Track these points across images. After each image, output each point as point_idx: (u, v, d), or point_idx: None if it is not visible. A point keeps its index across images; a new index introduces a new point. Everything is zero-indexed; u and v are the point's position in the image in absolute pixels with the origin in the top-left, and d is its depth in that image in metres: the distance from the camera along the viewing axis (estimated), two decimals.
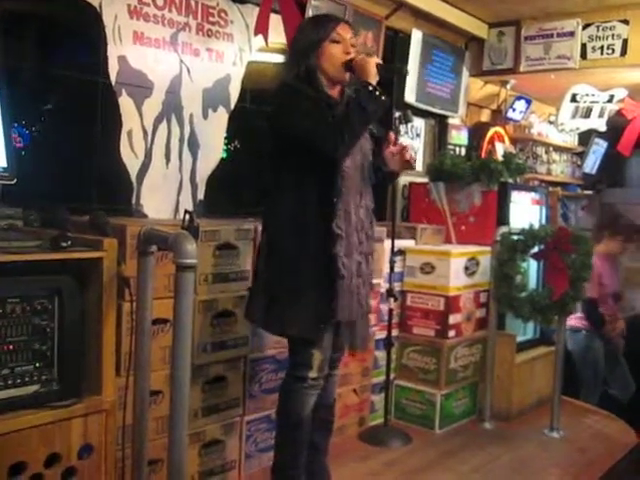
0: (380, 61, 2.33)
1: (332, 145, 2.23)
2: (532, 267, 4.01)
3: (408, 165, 2.62)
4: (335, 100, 2.38)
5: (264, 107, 3.44)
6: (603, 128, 5.68)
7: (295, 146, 2.30)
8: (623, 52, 4.41)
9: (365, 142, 2.45)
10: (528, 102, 5.60)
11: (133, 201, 2.98)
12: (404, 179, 4.51)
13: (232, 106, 3.35)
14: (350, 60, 2.35)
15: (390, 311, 3.41)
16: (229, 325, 2.71)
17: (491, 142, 5.33)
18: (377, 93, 2.25)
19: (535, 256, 3.68)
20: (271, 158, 2.43)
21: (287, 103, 2.32)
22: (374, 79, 2.28)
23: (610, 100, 5.38)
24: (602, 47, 4.49)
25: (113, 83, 2.85)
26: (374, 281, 2.90)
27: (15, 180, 2.11)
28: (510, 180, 4.07)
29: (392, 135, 2.64)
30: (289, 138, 2.31)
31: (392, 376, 3.60)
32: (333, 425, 2.71)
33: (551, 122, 6.17)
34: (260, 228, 2.54)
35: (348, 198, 2.35)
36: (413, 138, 4.66)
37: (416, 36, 4.40)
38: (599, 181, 7.30)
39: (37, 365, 1.99)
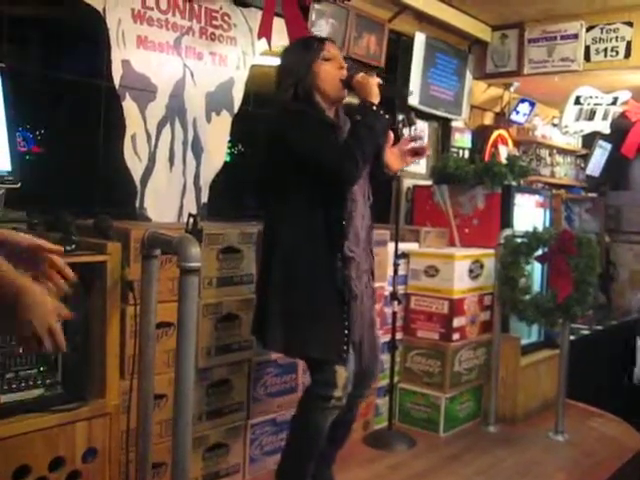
0: (380, 81, 2.33)
1: (349, 173, 2.23)
2: (536, 270, 4.00)
3: (420, 155, 2.61)
4: (337, 123, 2.38)
5: (267, 111, 3.46)
6: (607, 130, 5.67)
7: (304, 173, 2.28)
8: (627, 54, 4.41)
9: None
10: (532, 105, 5.59)
11: (137, 205, 2.98)
12: (408, 182, 4.51)
13: (235, 110, 3.35)
14: (350, 77, 2.34)
15: (394, 314, 3.41)
16: (233, 328, 2.70)
17: (495, 145, 5.32)
18: (381, 112, 2.26)
19: (539, 259, 3.67)
20: (274, 181, 2.41)
21: (296, 128, 2.29)
22: (376, 99, 2.28)
23: (614, 102, 5.37)
24: (606, 49, 4.48)
25: (117, 87, 2.85)
26: (377, 284, 2.90)
27: (19, 184, 2.12)
28: (514, 183, 4.07)
29: (391, 135, 2.58)
30: (298, 163, 2.28)
31: (396, 379, 3.60)
32: (347, 440, 2.69)
33: (555, 124, 6.16)
34: (262, 234, 2.54)
35: (356, 221, 2.36)
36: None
37: (419, 39, 4.40)
38: (603, 184, 7.29)
39: (41, 369, 1.99)
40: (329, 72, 2.36)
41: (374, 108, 2.26)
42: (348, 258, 2.32)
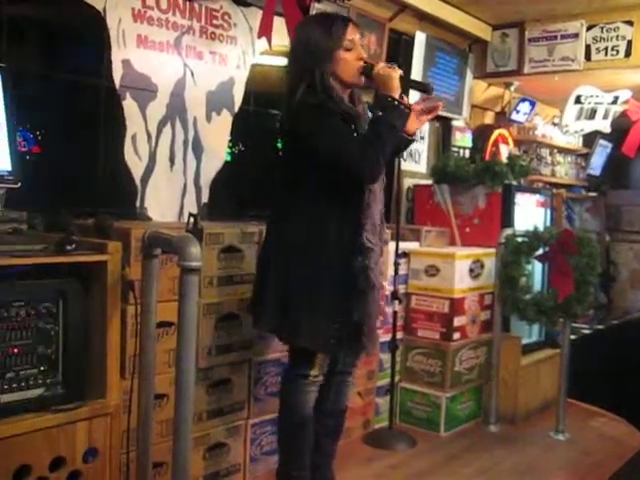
0: (402, 73, 2.26)
1: (370, 174, 2.22)
2: (537, 269, 4.00)
3: (434, 112, 2.53)
4: (356, 111, 2.33)
5: (268, 110, 3.46)
6: (607, 130, 5.67)
7: (321, 169, 2.24)
8: (627, 53, 4.41)
9: None
10: (532, 104, 5.59)
11: (137, 204, 2.98)
12: (409, 181, 4.50)
13: (236, 109, 3.35)
14: (368, 67, 2.29)
15: (395, 314, 3.41)
16: (234, 328, 2.70)
17: (495, 144, 5.32)
18: (402, 107, 2.22)
19: (540, 258, 3.67)
20: (286, 173, 2.39)
21: (315, 123, 2.22)
22: (397, 92, 2.23)
23: (614, 101, 5.37)
24: (606, 48, 4.48)
25: (117, 87, 2.86)
26: None
27: (19, 184, 2.11)
28: (514, 182, 4.06)
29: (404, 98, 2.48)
30: (317, 158, 2.24)
31: (397, 379, 3.60)
32: (342, 431, 2.69)
33: (555, 124, 6.16)
34: (264, 233, 2.53)
35: (373, 210, 2.34)
36: (417, 140, 4.65)
37: (420, 38, 4.40)
38: (604, 183, 7.29)
39: (42, 369, 1.99)
40: (348, 62, 2.29)
41: (395, 103, 2.21)
42: (367, 249, 2.30)
